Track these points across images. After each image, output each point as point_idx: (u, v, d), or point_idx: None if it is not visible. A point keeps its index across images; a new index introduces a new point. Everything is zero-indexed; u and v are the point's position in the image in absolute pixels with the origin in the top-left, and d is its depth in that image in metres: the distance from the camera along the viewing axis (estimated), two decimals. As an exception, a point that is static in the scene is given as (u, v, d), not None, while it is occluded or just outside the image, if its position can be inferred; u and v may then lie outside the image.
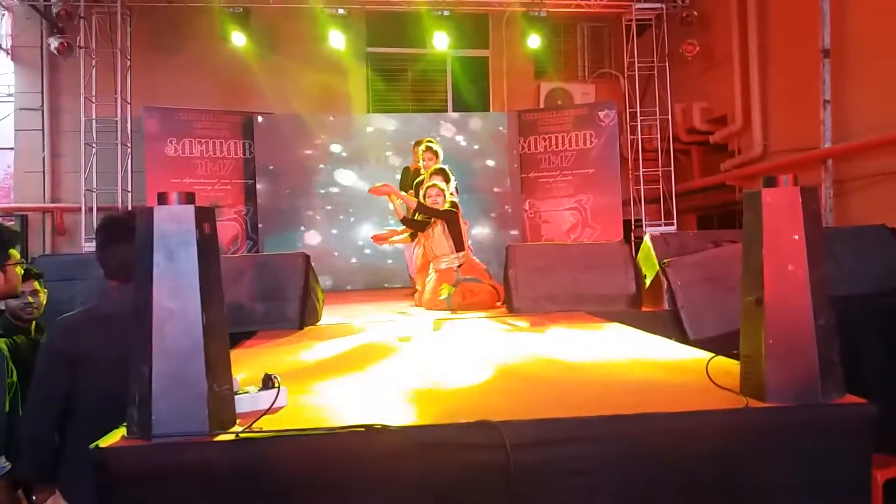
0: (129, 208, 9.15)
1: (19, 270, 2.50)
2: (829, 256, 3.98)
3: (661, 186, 9.90)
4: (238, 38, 9.53)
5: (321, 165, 9.42)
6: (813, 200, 1.87)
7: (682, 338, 3.92)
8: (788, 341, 1.80)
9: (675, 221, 9.79)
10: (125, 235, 2.24)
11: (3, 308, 3.21)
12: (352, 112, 10.35)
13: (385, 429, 1.65)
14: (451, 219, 5.57)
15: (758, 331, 1.83)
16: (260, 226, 9.22)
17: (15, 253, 2.47)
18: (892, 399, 2.89)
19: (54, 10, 9.14)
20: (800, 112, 8.00)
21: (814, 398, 1.77)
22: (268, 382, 1.92)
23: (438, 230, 5.56)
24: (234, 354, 1.99)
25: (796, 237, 1.81)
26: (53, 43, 9.12)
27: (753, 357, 1.85)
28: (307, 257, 4.37)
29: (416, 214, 5.91)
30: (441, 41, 9.85)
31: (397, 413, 1.89)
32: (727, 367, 2.16)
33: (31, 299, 3.22)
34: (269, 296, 4.09)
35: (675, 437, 1.71)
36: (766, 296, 1.81)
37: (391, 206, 6.57)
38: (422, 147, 6.49)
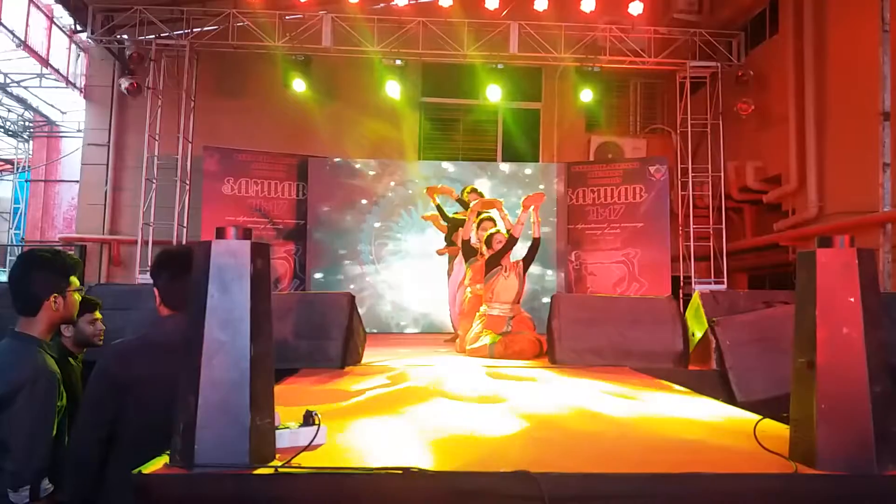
0: (184, 243, 9.42)
1: (77, 297, 2.58)
2: (888, 322, 3.84)
3: (711, 244, 9.75)
4: (298, 85, 9.86)
5: (371, 209, 9.58)
6: (870, 263, 1.82)
7: (730, 399, 3.81)
8: (842, 407, 1.73)
9: (725, 280, 9.60)
10: (188, 268, 2.35)
11: (58, 332, 3.30)
12: (404, 159, 10.55)
13: (422, 473, 1.64)
14: (527, 269, 5.62)
15: (809, 394, 1.77)
16: (308, 266, 9.38)
17: (75, 280, 2.55)
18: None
19: (127, 53, 9.63)
20: (857, 174, 7.84)
21: (868, 468, 1.69)
22: (308, 419, 1.93)
23: (513, 275, 5.54)
24: (277, 390, 2.01)
25: (852, 299, 1.77)
26: (124, 83, 9.59)
27: (804, 421, 1.79)
28: (352, 298, 4.42)
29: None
30: (494, 93, 10.03)
31: (435, 457, 1.88)
32: (776, 430, 2.09)
33: (102, 326, 3.50)
34: (313, 334, 4.14)
35: (720, 499, 1.66)
36: (819, 358, 1.76)
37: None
38: (468, 189, 6.71)
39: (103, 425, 2.23)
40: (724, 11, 10.52)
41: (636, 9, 9.60)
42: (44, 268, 2.45)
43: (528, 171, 10.02)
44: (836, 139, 8.39)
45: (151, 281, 2.47)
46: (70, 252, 3.13)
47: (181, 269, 2.35)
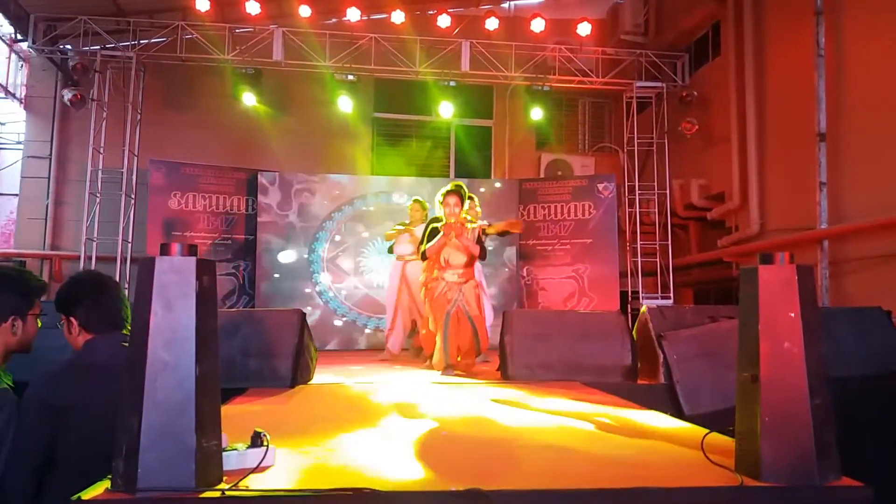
0: (129, 259, 9.19)
1: (38, 324, 2.44)
2: (826, 337, 3.97)
3: (658, 260, 9.96)
4: (248, 98, 9.75)
5: (323, 224, 9.49)
6: (809, 279, 1.88)
7: (678, 412, 3.88)
8: (784, 420, 1.78)
9: (671, 295, 9.81)
10: (106, 290, 2.40)
11: None
12: (356, 173, 10.52)
13: (374, 493, 1.62)
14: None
15: (753, 408, 1.81)
16: (258, 282, 9.23)
17: (38, 304, 2.42)
18: (889, 483, 2.85)
19: (70, 63, 9.38)
20: (796, 192, 8.13)
21: (810, 479, 1.74)
22: (256, 440, 1.89)
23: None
24: (224, 410, 1.96)
25: (792, 315, 1.82)
26: (67, 94, 9.32)
27: (749, 434, 1.83)
28: (303, 314, 4.36)
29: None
30: (446, 110, 10.10)
31: (387, 476, 1.86)
32: (722, 443, 2.13)
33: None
34: (262, 352, 4.06)
35: (669, 513, 1.68)
36: (762, 373, 1.80)
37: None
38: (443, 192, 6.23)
39: (38, 454, 2.12)
40: (669, 34, 10.84)
41: (584, 30, 9.82)
42: (5, 287, 2.32)
43: (481, 187, 10.08)
44: (776, 158, 8.69)
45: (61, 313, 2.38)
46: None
47: (101, 291, 2.37)
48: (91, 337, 2.33)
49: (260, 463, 1.81)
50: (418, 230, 6.58)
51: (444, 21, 9.68)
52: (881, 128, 6.93)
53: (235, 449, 1.84)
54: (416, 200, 6.98)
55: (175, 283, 1.62)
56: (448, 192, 5.49)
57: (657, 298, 9.64)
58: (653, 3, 11.32)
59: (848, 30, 7.50)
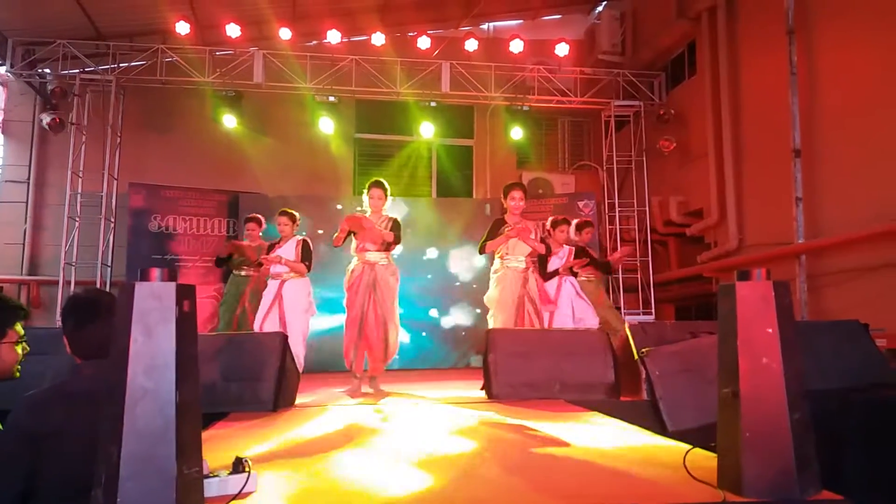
0: (108, 283, 9.09)
1: (19, 350, 2.37)
2: (805, 350, 4.00)
3: (639, 276, 10.03)
4: (229, 120, 9.74)
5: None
6: (785, 294, 1.91)
7: (662, 428, 3.88)
8: (764, 435, 1.80)
9: (653, 311, 9.87)
10: (98, 314, 2.24)
11: None
12: (339, 194, 10.51)
13: (357, 517, 1.61)
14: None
15: (734, 423, 1.83)
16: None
17: (19, 328, 2.35)
18: (869, 497, 2.87)
19: (49, 87, 9.32)
20: (774, 208, 8.23)
21: (790, 493, 1.76)
22: (238, 466, 1.88)
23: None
24: (205, 436, 1.94)
25: (770, 330, 1.85)
26: (46, 118, 9.26)
27: (730, 450, 1.84)
28: (285, 337, 4.34)
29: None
30: (427, 130, 10.16)
31: (371, 500, 1.85)
32: (705, 459, 2.15)
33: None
34: (244, 376, 4.03)
35: (652, 531, 1.69)
36: (742, 389, 1.82)
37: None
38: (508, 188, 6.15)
39: (17, 484, 2.08)
40: (646, 53, 10.99)
41: (562, 50, 9.95)
42: None
43: (463, 206, 10.11)
44: (753, 174, 8.81)
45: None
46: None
47: (88, 317, 2.23)
48: (79, 362, 2.28)
49: (242, 489, 1.79)
50: (289, 244, 6.55)
51: (423, 43, 9.77)
52: (854, 143, 7.06)
53: (217, 475, 1.82)
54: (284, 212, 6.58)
55: (155, 309, 1.61)
56: (515, 187, 6.04)
57: (639, 314, 9.70)
58: (629, 23, 11.49)
59: (819, 48, 7.65)
